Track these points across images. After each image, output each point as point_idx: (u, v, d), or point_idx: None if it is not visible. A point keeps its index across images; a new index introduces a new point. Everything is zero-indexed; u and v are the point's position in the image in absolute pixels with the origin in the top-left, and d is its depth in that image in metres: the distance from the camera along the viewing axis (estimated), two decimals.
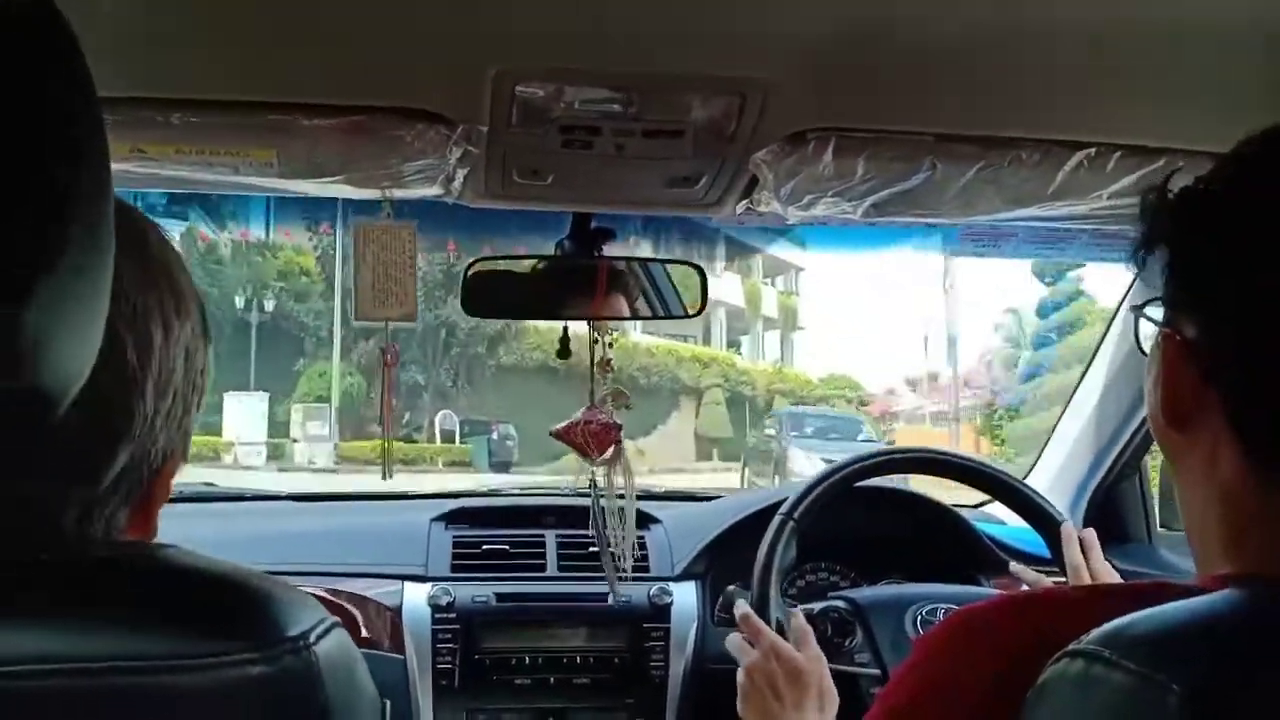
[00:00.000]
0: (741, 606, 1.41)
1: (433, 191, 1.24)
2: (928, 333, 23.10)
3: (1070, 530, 1.48)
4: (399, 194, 1.22)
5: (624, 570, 1.57)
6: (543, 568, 1.79)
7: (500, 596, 1.73)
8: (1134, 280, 1.75)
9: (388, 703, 0.65)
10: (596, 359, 1.48)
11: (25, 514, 0.58)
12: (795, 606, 1.55)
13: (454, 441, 18.74)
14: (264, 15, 0.96)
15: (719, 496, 2.16)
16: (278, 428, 17.71)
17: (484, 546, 1.81)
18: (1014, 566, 1.54)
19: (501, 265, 1.56)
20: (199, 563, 0.59)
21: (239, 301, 18.93)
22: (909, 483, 1.94)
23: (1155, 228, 0.68)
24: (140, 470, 0.62)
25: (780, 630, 1.37)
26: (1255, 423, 0.61)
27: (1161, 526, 1.92)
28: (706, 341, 23.89)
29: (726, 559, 1.79)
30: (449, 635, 1.69)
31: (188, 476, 0.79)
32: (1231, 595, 0.58)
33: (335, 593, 1.70)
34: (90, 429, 0.58)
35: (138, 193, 1.61)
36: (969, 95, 1.11)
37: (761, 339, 25.72)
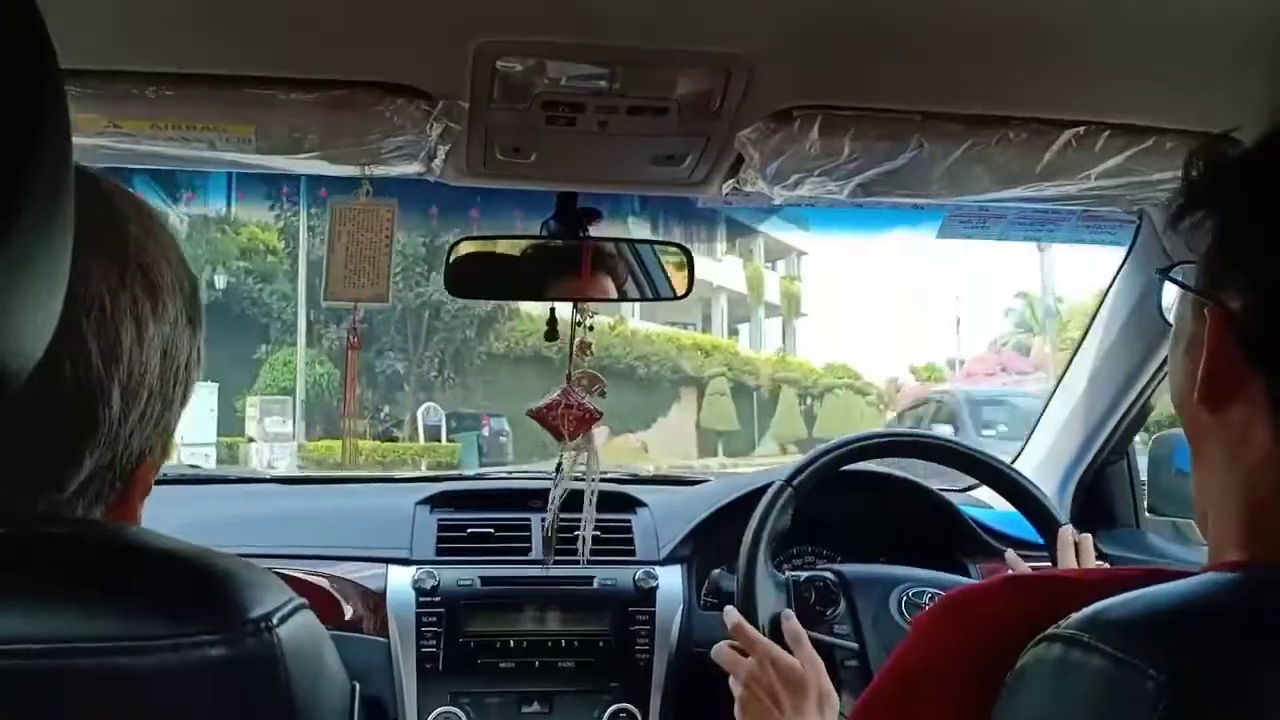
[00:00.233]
0: (732, 615, 1.40)
1: (413, 169, 1.22)
2: (959, 313, 22.13)
3: (1067, 536, 1.48)
4: (379, 172, 1.20)
5: (581, 555, 1.61)
6: (528, 551, 1.78)
7: (485, 580, 1.72)
8: (1124, 262, 1.75)
9: (356, 685, 0.64)
10: (576, 341, 1.47)
11: None
12: (785, 573, 1.55)
13: (439, 439, 16.40)
14: None
15: (705, 481, 2.15)
16: (232, 425, 15.35)
17: (469, 530, 1.81)
18: (1009, 556, 1.54)
19: (486, 246, 1.54)
20: (161, 542, 0.58)
21: None
22: (895, 467, 1.94)
23: (1202, 191, 0.64)
24: (111, 472, 0.62)
25: (756, 618, 1.37)
26: None
27: (1149, 512, 1.91)
28: (707, 329, 23.04)
29: (712, 543, 1.79)
30: (434, 619, 1.68)
31: None
32: (1214, 580, 0.58)
33: (319, 575, 1.70)
34: (52, 436, 0.57)
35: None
36: (956, 73, 1.09)
37: (763, 326, 24.92)
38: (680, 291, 1.55)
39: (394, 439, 16.30)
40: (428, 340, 17.16)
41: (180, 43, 1.04)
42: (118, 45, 1.03)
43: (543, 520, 1.76)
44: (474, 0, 0.96)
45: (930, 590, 1.54)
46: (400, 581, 1.71)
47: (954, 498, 1.96)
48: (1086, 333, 1.92)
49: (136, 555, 0.57)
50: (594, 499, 1.57)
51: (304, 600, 0.59)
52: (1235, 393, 0.61)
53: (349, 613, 1.70)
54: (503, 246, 1.55)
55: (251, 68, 1.08)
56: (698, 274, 1.55)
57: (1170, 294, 0.66)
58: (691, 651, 1.71)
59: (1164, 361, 1.73)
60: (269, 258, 17.43)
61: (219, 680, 0.53)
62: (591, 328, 1.48)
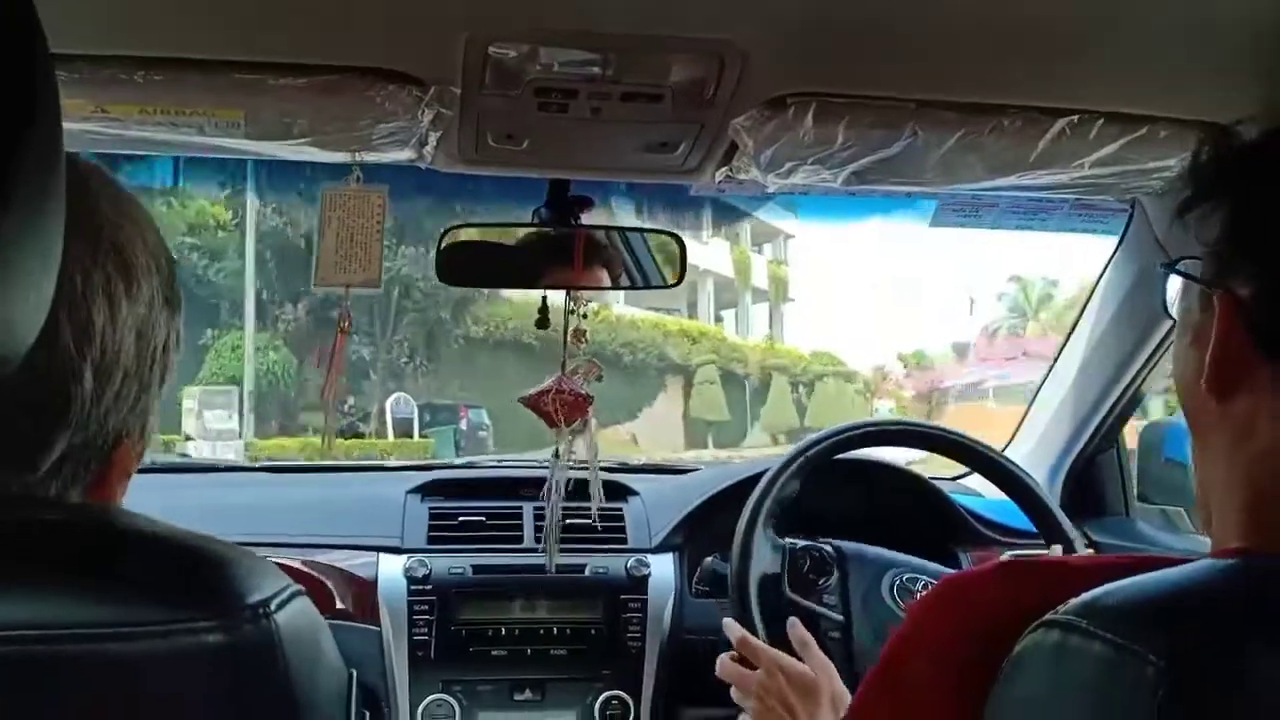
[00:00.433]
0: (734, 629, 1.38)
1: (405, 156, 1.21)
2: (972, 295, 21.49)
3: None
4: (370, 158, 1.20)
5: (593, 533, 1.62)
6: (519, 539, 1.78)
7: (477, 568, 1.72)
8: (1115, 251, 1.75)
9: (354, 672, 0.64)
10: (570, 329, 1.47)
11: None
12: (784, 539, 1.55)
13: (411, 433, 14.31)
14: None
15: (697, 469, 2.15)
16: (172, 419, 12.48)
17: (460, 518, 1.80)
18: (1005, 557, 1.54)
19: (477, 233, 1.54)
20: (155, 527, 0.57)
21: None
22: (885, 455, 1.94)
23: (1212, 179, 0.64)
24: (86, 453, 0.61)
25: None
26: None
27: (1140, 500, 1.92)
28: (693, 314, 22.42)
29: (704, 531, 1.79)
30: (425, 607, 1.68)
31: None
32: (1212, 566, 0.58)
33: (310, 564, 1.69)
34: (22, 415, 0.56)
35: None
36: (950, 61, 1.09)
37: (749, 311, 24.39)
38: (673, 280, 1.56)
39: (360, 435, 14.35)
40: (397, 322, 15.28)
41: (170, 27, 1.03)
42: (107, 30, 1.02)
43: (535, 509, 1.75)
44: None
45: (924, 578, 1.54)
46: (391, 570, 1.70)
47: (944, 486, 1.96)
48: (1077, 321, 1.92)
49: (132, 540, 0.57)
50: (600, 483, 1.57)
51: (301, 587, 0.59)
52: (1243, 380, 0.61)
53: (340, 602, 1.69)
54: (494, 234, 1.54)
55: (241, 53, 1.07)
56: None
57: (1174, 287, 0.66)
58: (683, 639, 1.72)
59: (1155, 350, 1.74)
60: (219, 233, 15.62)
61: (216, 666, 0.53)
62: (585, 315, 1.47)
